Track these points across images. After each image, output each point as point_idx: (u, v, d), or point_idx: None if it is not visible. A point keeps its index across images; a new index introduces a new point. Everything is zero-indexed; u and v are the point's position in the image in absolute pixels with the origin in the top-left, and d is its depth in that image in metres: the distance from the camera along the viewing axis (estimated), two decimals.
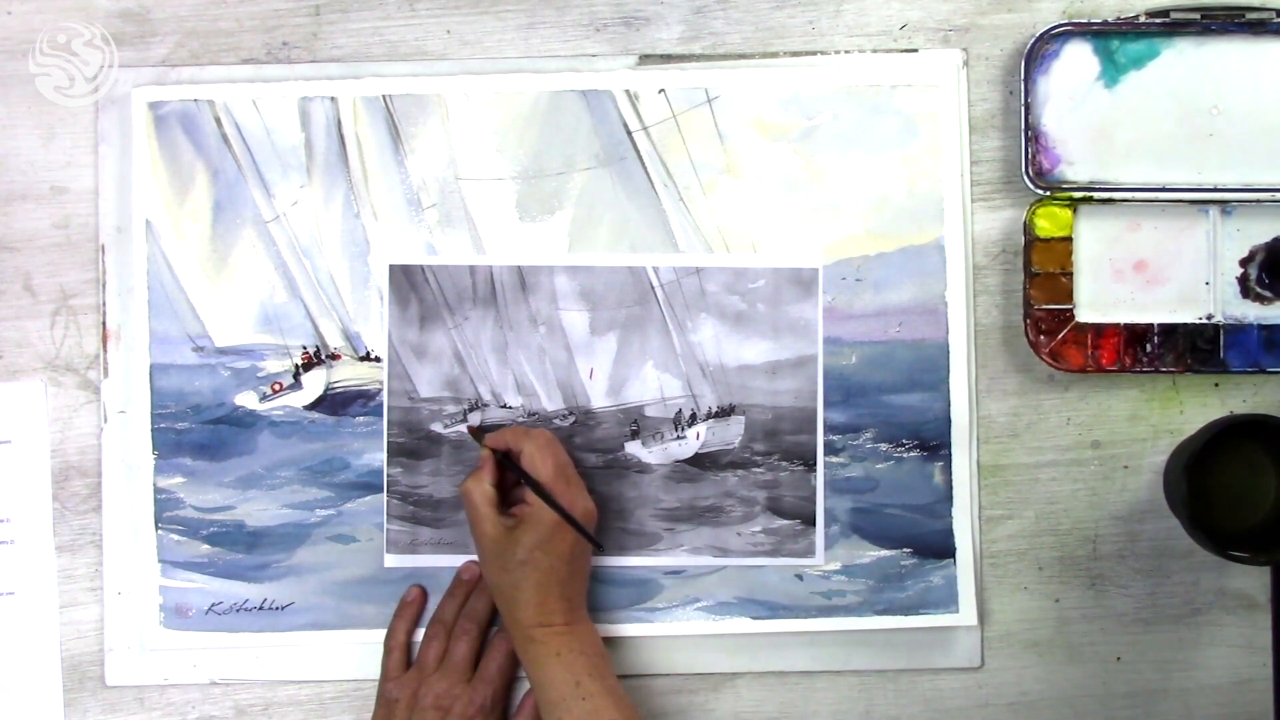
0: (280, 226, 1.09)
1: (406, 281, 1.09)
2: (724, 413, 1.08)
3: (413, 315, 1.09)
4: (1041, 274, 1.07)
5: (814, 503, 1.08)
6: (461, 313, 1.09)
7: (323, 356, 1.09)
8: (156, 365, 1.09)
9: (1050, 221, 1.07)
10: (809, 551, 1.08)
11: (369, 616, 1.08)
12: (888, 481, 1.07)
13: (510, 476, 1.04)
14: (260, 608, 1.09)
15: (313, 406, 1.09)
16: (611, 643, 1.08)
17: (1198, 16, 1.07)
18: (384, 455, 1.08)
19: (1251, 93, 1.08)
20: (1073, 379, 1.09)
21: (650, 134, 1.09)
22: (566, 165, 1.09)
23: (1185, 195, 1.07)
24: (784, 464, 1.08)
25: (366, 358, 1.09)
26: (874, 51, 1.10)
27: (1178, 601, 1.09)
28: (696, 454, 1.08)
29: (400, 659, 1.07)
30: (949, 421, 1.08)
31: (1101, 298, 1.08)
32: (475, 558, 1.08)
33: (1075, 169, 1.08)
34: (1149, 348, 1.07)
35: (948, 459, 1.08)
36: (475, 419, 1.09)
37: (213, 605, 1.09)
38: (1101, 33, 1.07)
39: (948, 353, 1.08)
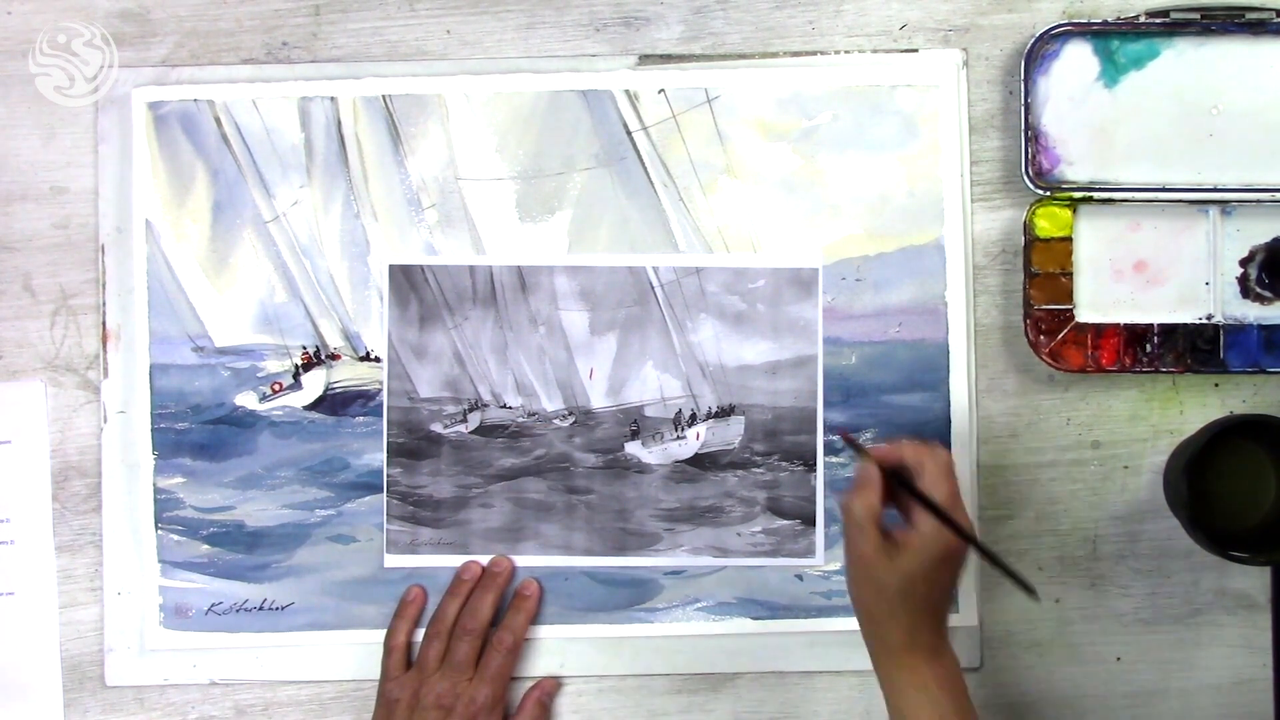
0: (280, 227, 1.09)
1: (406, 282, 1.09)
2: (724, 413, 1.08)
3: (412, 315, 1.09)
4: (1041, 274, 1.07)
5: (814, 503, 1.08)
6: (461, 313, 1.09)
7: (322, 357, 1.09)
8: (156, 365, 1.09)
9: (1050, 221, 1.07)
10: (809, 552, 1.08)
11: (369, 617, 1.08)
12: None
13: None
14: (260, 608, 1.09)
15: (312, 407, 1.09)
16: (611, 643, 1.08)
17: (1198, 16, 1.07)
18: (384, 455, 1.08)
19: (1251, 93, 1.08)
20: (1073, 379, 1.09)
21: (650, 134, 1.09)
22: (566, 165, 1.09)
23: (1185, 195, 1.07)
24: (784, 464, 1.08)
25: (366, 358, 1.09)
26: (874, 51, 1.10)
27: (1178, 601, 1.09)
28: (696, 454, 1.08)
29: (401, 659, 1.07)
30: (949, 422, 1.08)
31: (1101, 298, 1.08)
32: (475, 558, 1.08)
33: (1075, 169, 1.08)
34: (1149, 348, 1.07)
35: None
36: (475, 419, 1.09)
37: (213, 605, 1.09)
38: (1101, 33, 1.07)
39: (948, 353, 1.08)
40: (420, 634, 1.07)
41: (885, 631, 0.94)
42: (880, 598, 0.93)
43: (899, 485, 0.94)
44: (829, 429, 1.08)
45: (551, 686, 1.08)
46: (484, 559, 1.08)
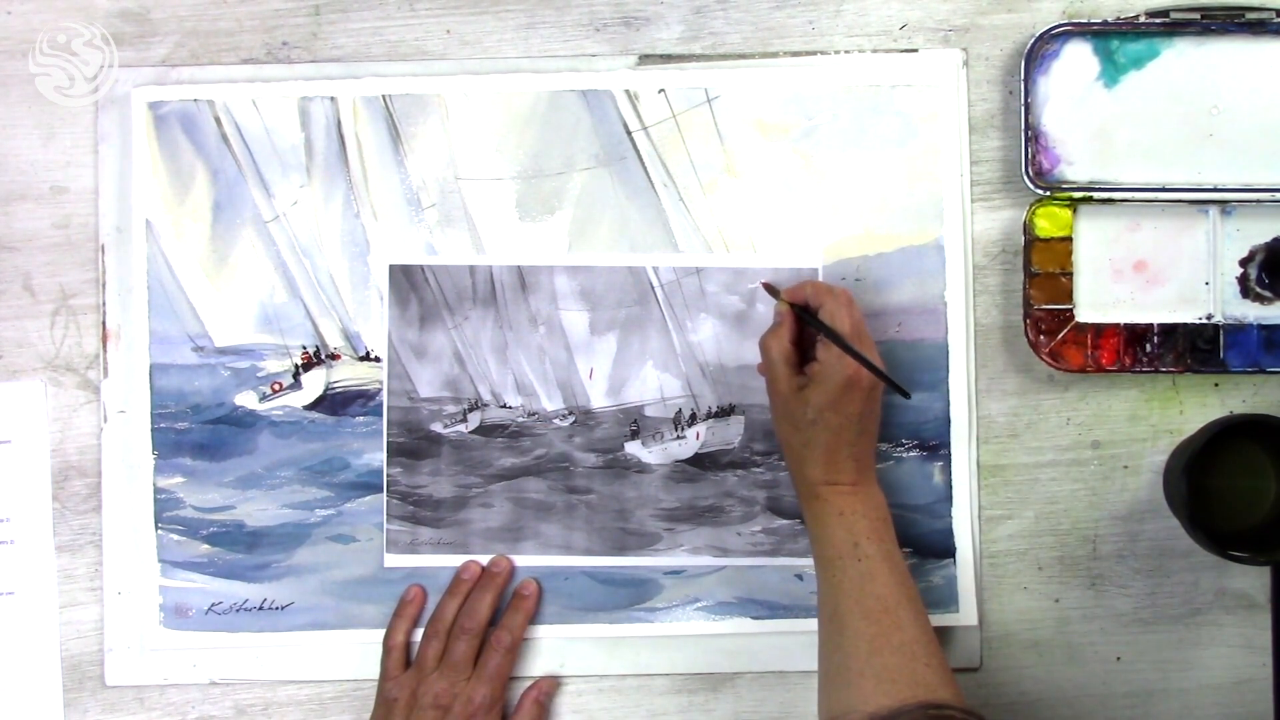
0: (280, 226, 1.09)
1: (406, 281, 1.09)
2: (724, 412, 1.09)
3: (412, 315, 1.09)
4: (1041, 274, 1.07)
5: None
6: (461, 313, 1.09)
7: (322, 356, 1.09)
8: (156, 365, 1.09)
9: (1050, 221, 1.07)
10: (808, 552, 1.08)
11: (369, 616, 1.08)
12: (887, 481, 1.07)
13: (805, 333, 1.01)
14: (260, 608, 1.09)
15: (312, 406, 1.09)
16: (611, 643, 1.08)
17: (1198, 16, 1.07)
18: (384, 455, 1.08)
19: (1251, 93, 1.08)
20: (1072, 379, 1.09)
21: (650, 134, 1.09)
22: (566, 165, 1.09)
23: (1185, 195, 1.07)
24: (784, 464, 1.08)
25: (366, 357, 1.09)
26: (874, 51, 1.10)
27: (1178, 601, 1.09)
28: (696, 454, 1.08)
29: (399, 658, 1.07)
30: (949, 422, 1.08)
31: (1101, 298, 1.08)
32: (475, 557, 1.08)
33: (1075, 169, 1.08)
34: (1149, 348, 1.07)
35: (947, 459, 1.08)
36: (475, 419, 1.09)
37: (213, 605, 1.09)
38: (1101, 33, 1.07)
39: (947, 353, 1.08)
40: (419, 634, 1.07)
41: (805, 465, 0.99)
42: (796, 431, 0.99)
43: (805, 319, 1.00)
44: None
45: (549, 686, 1.08)
46: (484, 559, 1.08)
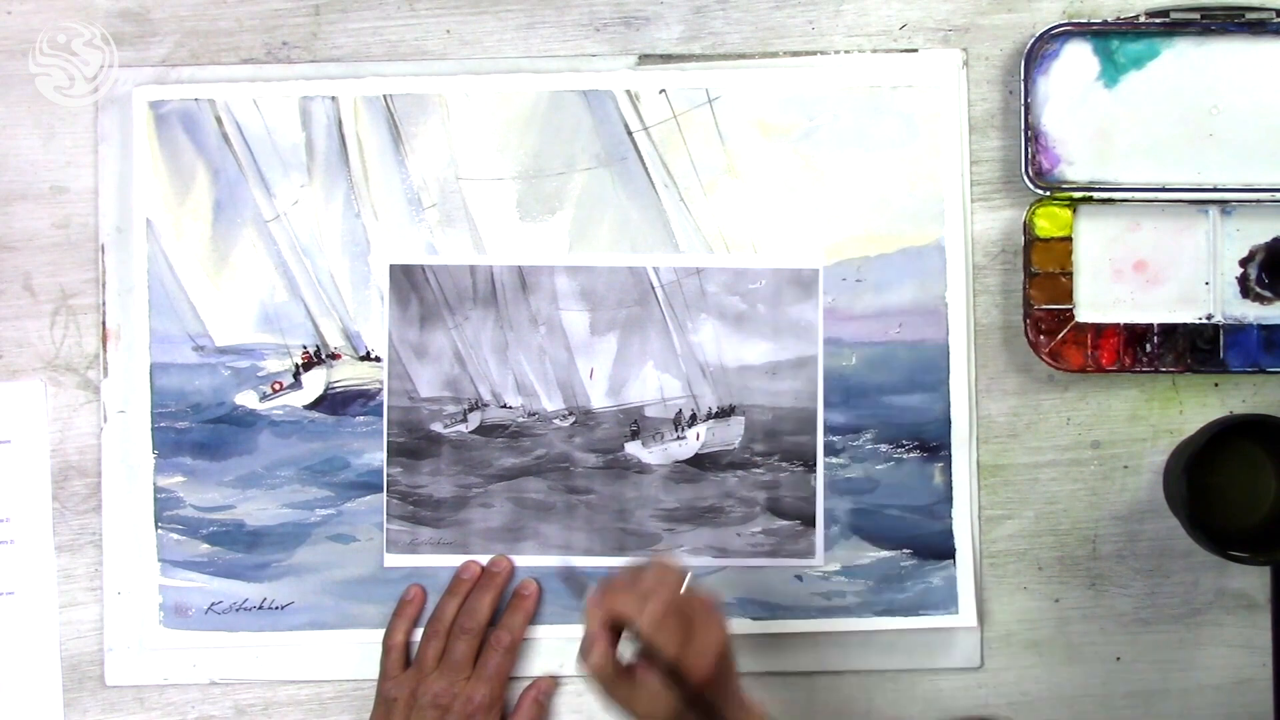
0: (281, 226, 1.09)
1: (407, 281, 1.09)
2: (724, 413, 1.08)
3: (413, 315, 1.09)
4: (1041, 274, 1.07)
5: (814, 503, 1.08)
6: (462, 312, 1.09)
7: (323, 356, 1.09)
8: (156, 365, 1.09)
9: (1050, 221, 1.07)
10: (809, 552, 1.08)
11: (369, 616, 1.08)
12: (888, 482, 1.07)
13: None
14: (260, 607, 1.09)
15: (313, 406, 1.09)
16: None
17: (1198, 16, 1.07)
18: (384, 455, 1.08)
19: (1251, 93, 1.08)
20: (1072, 379, 1.09)
21: (651, 134, 1.09)
22: (567, 165, 1.09)
23: (1185, 195, 1.07)
24: (784, 465, 1.08)
25: (366, 357, 1.09)
26: (874, 51, 1.10)
27: (1178, 601, 1.09)
28: (696, 454, 1.08)
29: (399, 658, 1.07)
30: (949, 422, 1.08)
31: (1101, 298, 1.08)
32: (475, 557, 1.08)
33: (1075, 169, 1.08)
34: (1149, 348, 1.07)
35: (948, 459, 1.08)
36: (476, 419, 1.09)
37: (212, 605, 1.09)
38: (1101, 33, 1.07)
39: (948, 353, 1.08)
40: (419, 633, 1.07)
41: None
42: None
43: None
44: (828, 430, 1.08)
45: (548, 686, 1.08)
46: (484, 559, 1.08)
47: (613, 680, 0.88)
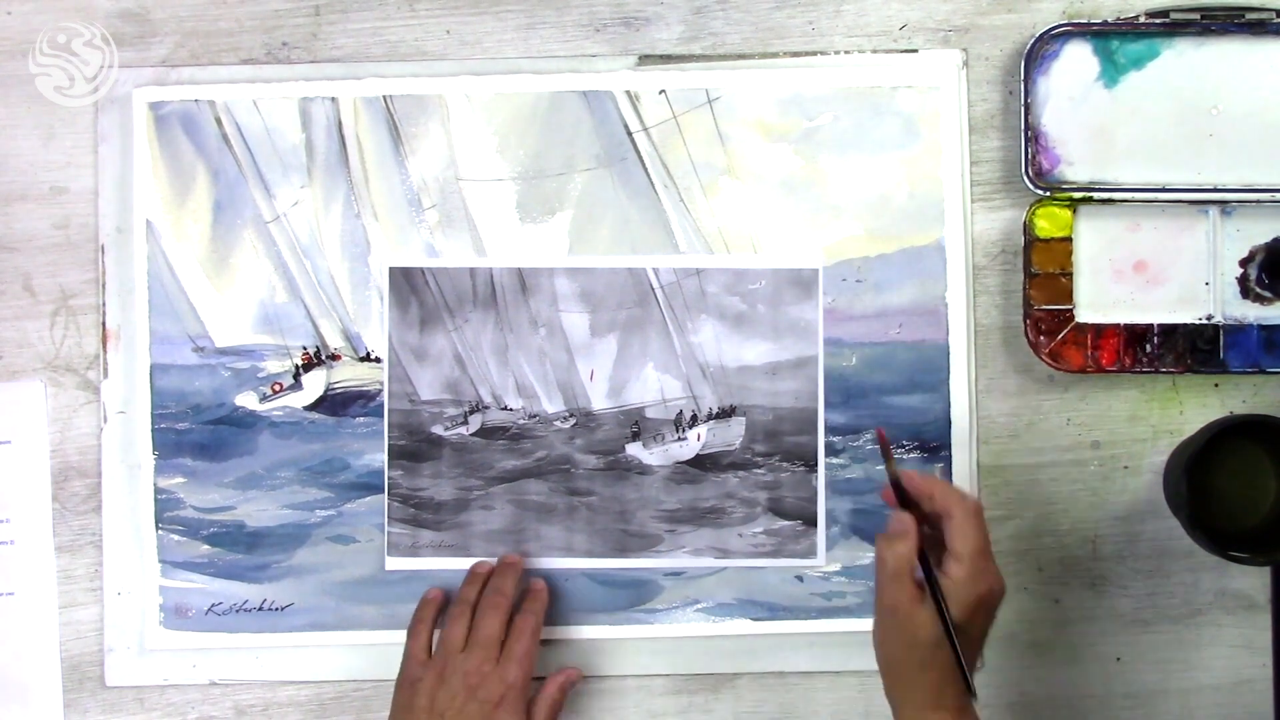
0: (281, 227, 1.09)
1: (406, 284, 1.09)
2: (725, 414, 1.09)
3: (413, 318, 1.09)
4: (1041, 274, 1.07)
5: (815, 504, 1.08)
6: (462, 315, 1.09)
7: (323, 357, 1.09)
8: (156, 365, 1.09)
9: (1050, 222, 1.07)
10: (810, 552, 1.08)
11: (369, 617, 1.09)
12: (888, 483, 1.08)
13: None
14: (260, 608, 1.09)
15: (313, 407, 1.09)
16: (612, 644, 1.08)
17: (1198, 17, 1.07)
18: (384, 457, 1.08)
19: (1251, 93, 1.08)
20: (1073, 379, 1.09)
21: (651, 135, 1.09)
22: (567, 166, 1.09)
23: (1185, 195, 1.07)
24: (785, 465, 1.08)
25: (366, 358, 1.09)
26: (874, 52, 1.10)
27: (1178, 602, 1.09)
28: (697, 455, 1.08)
29: (425, 643, 1.04)
30: (949, 422, 1.08)
31: (1101, 298, 1.08)
32: (482, 559, 1.07)
33: (1075, 169, 1.08)
34: (1149, 348, 1.07)
35: (948, 460, 1.08)
36: (476, 422, 1.09)
37: (212, 605, 1.09)
38: (1101, 33, 1.07)
39: (948, 354, 1.08)
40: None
41: (913, 688, 0.92)
42: (912, 649, 0.91)
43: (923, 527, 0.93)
44: (829, 430, 1.08)
45: (575, 675, 1.06)
46: (491, 561, 1.08)
47: (902, 578, 0.91)
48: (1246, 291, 1.08)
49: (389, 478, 1.08)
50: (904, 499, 0.95)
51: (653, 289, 1.09)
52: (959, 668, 0.90)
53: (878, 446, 1.00)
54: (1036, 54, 1.07)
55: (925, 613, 0.90)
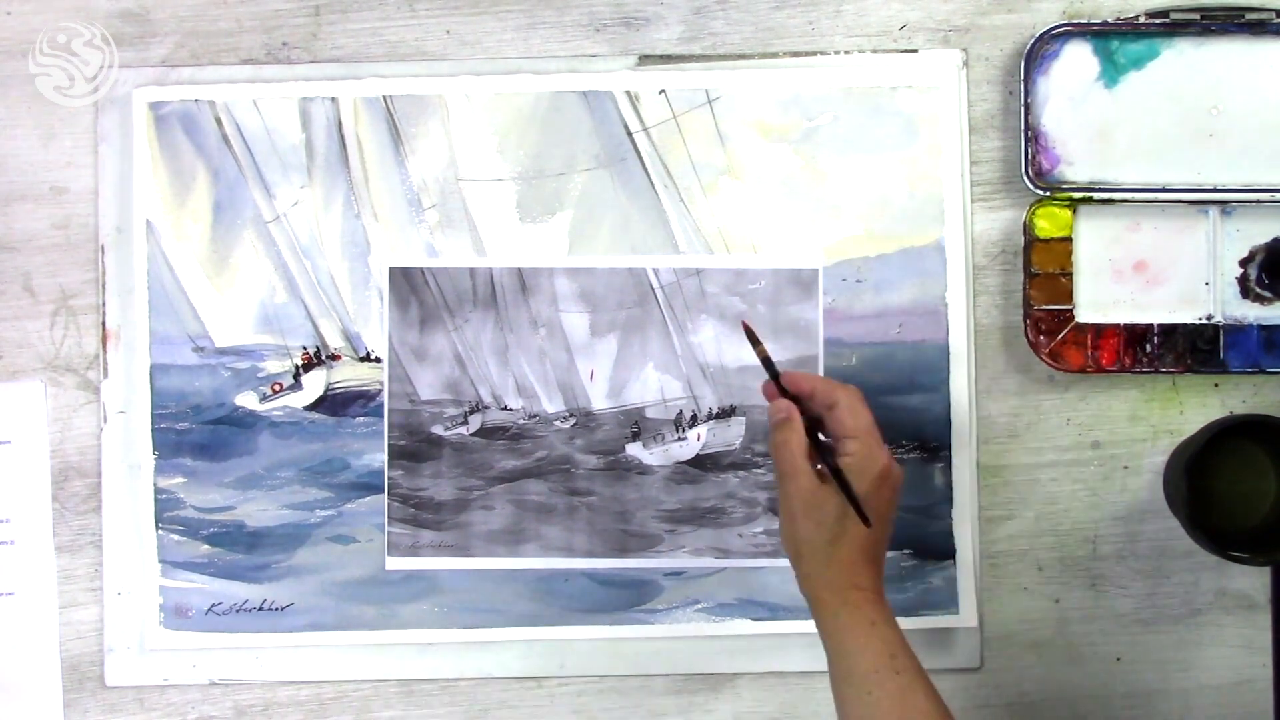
0: (280, 227, 1.09)
1: (406, 284, 1.09)
2: (725, 414, 1.09)
3: (413, 318, 1.09)
4: (1041, 274, 1.07)
5: None
6: (462, 315, 1.09)
7: (323, 357, 1.09)
8: (156, 365, 1.09)
9: (1050, 222, 1.07)
10: None
11: (369, 617, 1.08)
12: None
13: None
14: (260, 608, 1.09)
15: (313, 407, 1.09)
16: (612, 643, 1.08)
17: (1198, 17, 1.07)
18: (384, 457, 1.08)
19: (1251, 93, 1.08)
20: (1073, 379, 1.09)
21: (651, 135, 1.09)
22: (567, 166, 1.09)
23: (1185, 195, 1.07)
24: None
25: (367, 358, 1.09)
26: (874, 52, 1.10)
27: (1178, 602, 1.09)
28: (697, 455, 1.08)
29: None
30: (949, 423, 1.08)
31: (1101, 298, 1.08)
32: (477, 560, 1.07)
33: (1075, 169, 1.08)
34: (1149, 348, 1.07)
35: (948, 460, 1.08)
36: (476, 422, 1.09)
37: (213, 605, 1.09)
38: (1101, 33, 1.07)
39: (948, 354, 1.08)
40: None
41: (826, 570, 0.93)
42: (820, 527, 0.93)
43: (814, 427, 0.95)
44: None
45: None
46: (489, 562, 1.08)
47: (798, 460, 0.93)
48: (1246, 291, 1.08)
49: (389, 478, 1.08)
50: (783, 393, 0.96)
51: (653, 289, 1.09)
52: (853, 505, 0.91)
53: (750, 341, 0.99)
54: (1036, 54, 1.07)
55: (827, 489, 0.92)
